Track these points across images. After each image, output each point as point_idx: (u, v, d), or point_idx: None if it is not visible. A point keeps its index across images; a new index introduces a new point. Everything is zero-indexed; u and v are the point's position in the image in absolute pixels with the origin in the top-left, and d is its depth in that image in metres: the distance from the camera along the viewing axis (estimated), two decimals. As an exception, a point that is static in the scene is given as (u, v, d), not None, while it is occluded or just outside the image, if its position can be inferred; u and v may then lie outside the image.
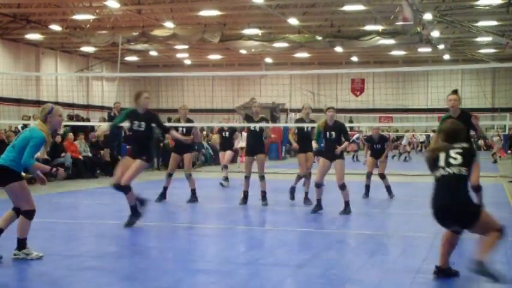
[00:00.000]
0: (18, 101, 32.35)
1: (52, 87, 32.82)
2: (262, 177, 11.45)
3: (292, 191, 11.85)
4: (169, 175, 12.03)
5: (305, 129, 11.56)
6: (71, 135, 17.87)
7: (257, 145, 11.59)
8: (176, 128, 12.03)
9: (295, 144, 11.75)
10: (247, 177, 11.52)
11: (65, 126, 19.02)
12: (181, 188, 12.30)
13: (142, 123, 9.01)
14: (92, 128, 21.12)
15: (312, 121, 11.58)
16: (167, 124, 11.29)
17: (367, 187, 12.98)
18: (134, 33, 29.19)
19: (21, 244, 6.60)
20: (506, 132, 31.97)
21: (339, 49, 32.81)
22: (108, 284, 5.88)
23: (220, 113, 35.10)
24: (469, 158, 5.78)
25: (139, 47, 32.30)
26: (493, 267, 5.68)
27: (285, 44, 30.38)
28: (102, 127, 9.63)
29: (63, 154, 17.17)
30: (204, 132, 29.13)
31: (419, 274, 6.19)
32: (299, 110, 37.96)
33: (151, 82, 46.14)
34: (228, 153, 15.93)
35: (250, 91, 38.86)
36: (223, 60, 41.27)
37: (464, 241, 6.57)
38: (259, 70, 39.35)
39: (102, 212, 9.54)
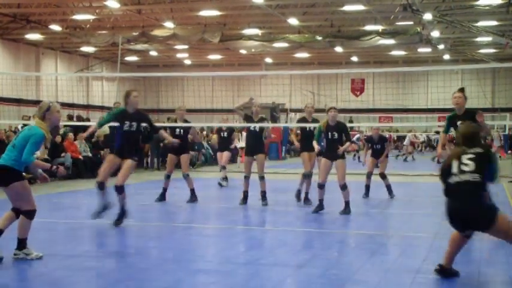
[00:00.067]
0: (18, 101, 32.33)
1: (52, 87, 32.80)
2: (262, 178, 11.45)
3: (299, 194, 11.81)
4: (168, 176, 12.01)
5: (307, 129, 11.55)
6: (71, 135, 17.88)
7: (257, 145, 11.59)
8: (173, 129, 12.03)
9: (297, 144, 11.75)
10: (246, 177, 11.52)
11: (65, 126, 19.02)
12: (181, 188, 12.31)
13: (134, 123, 8.99)
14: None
15: (315, 120, 11.55)
16: (157, 124, 11.29)
17: (367, 187, 12.98)
18: (134, 33, 29.17)
19: (22, 244, 6.60)
20: (506, 132, 31.99)
21: (339, 49, 32.80)
22: (108, 284, 5.88)
23: (220, 113, 35.10)
24: (482, 163, 5.74)
25: (139, 47, 32.28)
26: None
27: (285, 44, 30.37)
28: (91, 127, 9.54)
29: (63, 154, 17.19)
30: (204, 132, 29.14)
31: (419, 274, 6.19)
32: (299, 110, 38.05)
33: (151, 82, 46.18)
34: (226, 154, 15.87)
35: (250, 91, 38.88)
36: (223, 60, 41.27)
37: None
38: (259, 70, 39.34)
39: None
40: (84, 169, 17.72)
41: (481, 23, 27.43)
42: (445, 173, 5.87)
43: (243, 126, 13.61)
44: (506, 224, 5.68)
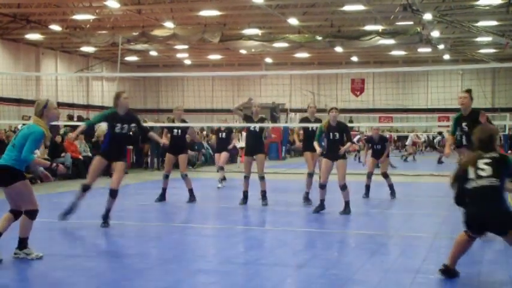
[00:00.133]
0: (18, 101, 32.33)
1: (52, 87, 32.79)
2: (262, 177, 11.45)
3: (307, 196, 11.72)
4: (166, 176, 11.99)
5: (310, 129, 11.53)
6: (71, 135, 17.87)
7: (256, 145, 11.59)
8: (171, 129, 12.01)
9: (298, 144, 11.72)
10: (246, 177, 11.51)
11: (65, 126, 19.03)
12: (180, 189, 12.31)
13: (125, 125, 8.93)
14: (92, 128, 21.08)
15: (317, 120, 11.52)
16: (157, 124, 11.28)
17: (368, 187, 12.98)
18: (134, 33, 29.17)
19: (22, 244, 6.59)
20: (506, 132, 31.98)
21: (339, 49, 32.81)
22: (108, 284, 5.88)
23: (220, 113, 35.13)
24: (499, 168, 5.72)
25: (139, 47, 32.28)
26: None
27: (285, 44, 30.37)
28: (80, 127, 9.50)
29: (63, 154, 17.19)
30: (204, 132, 29.14)
31: (419, 274, 6.19)
32: (299, 110, 38.09)
33: (151, 82, 46.18)
34: (224, 154, 15.68)
35: (250, 91, 38.89)
36: (223, 60, 41.27)
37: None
38: (259, 70, 39.34)
39: (102, 212, 9.51)
40: (84, 169, 17.64)
41: (481, 23, 27.43)
42: (460, 179, 5.83)
43: (243, 126, 13.58)
44: None
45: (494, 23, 27.64)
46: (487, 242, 7.19)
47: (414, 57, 39.48)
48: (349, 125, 15.45)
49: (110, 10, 26.77)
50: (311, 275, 6.17)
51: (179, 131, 11.97)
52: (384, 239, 8.34)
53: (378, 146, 13.35)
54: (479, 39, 31.81)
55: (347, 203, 10.39)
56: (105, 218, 8.95)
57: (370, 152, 13.69)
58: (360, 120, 34.92)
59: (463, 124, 8.31)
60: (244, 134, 18.59)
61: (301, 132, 12.57)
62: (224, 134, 15.69)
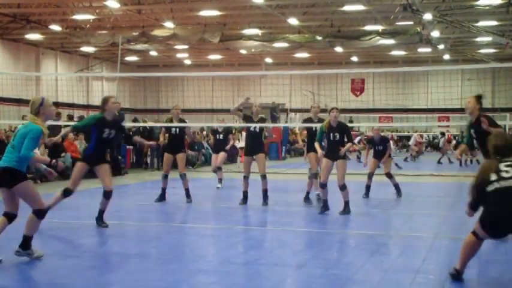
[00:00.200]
0: (18, 101, 32.31)
1: (52, 87, 32.80)
2: (263, 176, 11.43)
3: (319, 197, 11.47)
4: (165, 176, 11.97)
5: (313, 129, 11.50)
6: (71, 135, 17.87)
7: (256, 145, 11.59)
8: (169, 128, 12.00)
9: (300, 144, 11.68)
10: (246, 178, 11.51)
11: (65, 126, 19.00)
12: (180, 189, 12.30)
13: (112, 131, 8.91)
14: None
15: (321, 120, 11.48)
16: (158, 124, 11.25)
17: (368, 187, 12.97)
18: (134, 33, 29.18)
19: (26, 242, 6.54)
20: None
21: (339, 49, 32.81)
22: (108, 283, 5.88)
23: (220, 113, 35.13)
24: None
25: (139, 47, 32.29)
26: None
27: (285, 44, 30.38)
28: (66, 129, 9.47)
29: (63, 154, 17.18)
30: (204, 132, 29.13)
31: (419, 274, 6.19)
32: (299, 110, 38.06)
33: (151, 82, 46.20)
34: (222, 155, 15.58)
35: (250, 91, 38.91)
36: (223, 60, 41.28)
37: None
38: (259, 70, 39.35)
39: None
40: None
41: (481, 23, 27.43)
42: (482, 186, 5.77)
43: (243, 126, 13.56)
44: None
45: (494, 23, 27.65)
46: (501, 242, 7.19)
47: (414, 57, 39.49)
48: (349, 125, 15.42)
49: (110, 10, 26.78)
50: (311, 275, 6.16)
51: (177, 130, 11.95)
52: (383, 239, 8.34)
53: (379, 147, 13.31)
54: (479, 39, 31.82)
55: (346, 203, 10.39)
56: (99, 219, 8.96)
57: (371, 152, 13.64)
58: (360, 120, 34.93)
59: (471, 131, 8.22)
60: (244, 134, 18.57)
61: (304, 132, 12.55)
62: (222, 135, 15.60)
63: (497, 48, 33.23)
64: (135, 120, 26.59)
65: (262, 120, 11.70)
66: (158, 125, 18.15)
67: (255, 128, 11.48)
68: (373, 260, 6.90)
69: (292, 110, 37.35)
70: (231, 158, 25.19)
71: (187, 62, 42.98)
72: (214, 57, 39.94)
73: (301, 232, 9.08)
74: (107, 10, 27.00)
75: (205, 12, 26.95)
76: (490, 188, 5.64)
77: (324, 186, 10.38)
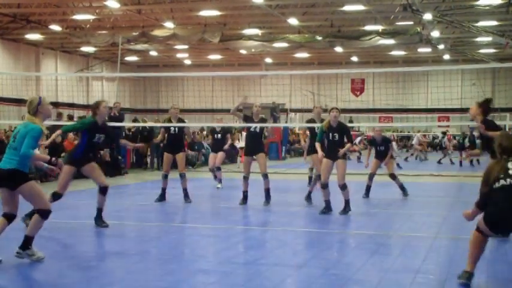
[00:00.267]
0: (18, 101, 32.25)
1: (52, 87, 32.81)
2: (265, 176, 11.43)
3: (309, 195, 11.70)
4: (165, 176, 11.97)
5: (315, 129, 11.49)
6: (71, 135, 17.88)
7: (256, 145, 11.59)
8: (168, 128, 12.00)
9: (304, 144, 11.67)
10: (245, 178, 11.50)
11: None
12: (180, 188, 12.30)
13: (102, 135, 8.98)
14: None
15: (323, 121, 11.48)
16: (157, 124, 11.25)
17: (368, 187, 12.96)
18: (134, 33, 29.16)
19: (27, 243, 6.53)
20: (507, 133, 31.95)
21: (339, 49, 32.80)
22: (109, 283, 5.88)
23: (220, 113, 35.13)
24: None
25: (139, 47, 32.28)
26: None
27: (285, 44, 30.37)
28: (56, 133, 9.48)
29: (63, 154, 17.18)
30: (204, 132, 29.13)
31: (419, 274, 6.19)
32: (299, 110, 38.03)
33: (151, 82, 46.19)
34: (221, 155, 15.50)
35: (250, 91, 38.88)
36: (223, 60, 41.28)
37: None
38: (259, 70, 39.35)
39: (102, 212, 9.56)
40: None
41: (481, 23, 27.43)
42: (490, 184, 5.75)
43: (243, 126, 13.55)
44: None
45: (494, 23, 27.64)
46: (501, 242, 7.18)
47: (414, 57, 39.48)
48: (349, 125, 15.42)
49: (110, 10, 26.77)
50: (311, 275, 6.17)
51: (176, 129, 11.96)
52: (383, 239, 8.34)
53: (381, 147, 13.28)
54: (479, 39, 31.81)
55: (347, 202, 10.38)
56: (98, 219, 8.96)
57: (373, 153, 13.59)
58: (360, 120, 34.93)
59: (477, 135, 8.32)
60: (244, 134, 18.54)
61: (308, 133, 12.55)
62: (220, 134, 15.51)
63: (497, 48, 33.23)
64: (135, 120, 26.59)
65: (263, 120, 11.70)
66: (158, 125, 18.14)
67: (255, 128, 11.48)
68: (373, 260, 6.90)
69: (292, 110, 37.36)
70: (231, 158, 25.18)
71: (187, 62, 42.98)
72: (214, 57, 39.94)
73: (301, 232, 9.09)
74: (107, 10, 26.99)
75: (205, 12, 26.94)
76: (497, 185, 5.67)
77: (325, 186, 10.36)
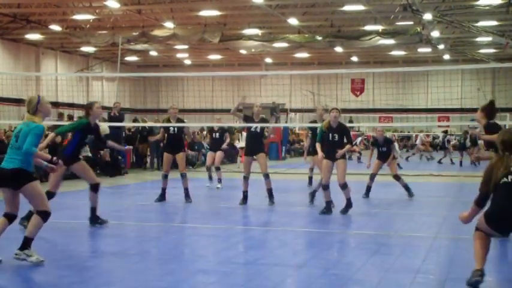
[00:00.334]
0: (18, 101, 32.21)
1: (52, 87, 32.80)
2: (266, 176, 11.43)
3: (314, 193, 11.71)
4: (165, 176, 11.96)
5: (317, 130, 11.47)
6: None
7: (256, 145, 11.59)
8: (168, 128, 12.00)
9: (306, 144, 11.67)
10: (246, 178, 11.50)
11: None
12: (180, 188, 12.30)
13: (93, 135, 9.29)
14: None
15: None
16: (157, 124, 11.25)
17: (369, 188, 12.94)
18: (134, 33, 29.17)
19: (26, 243, 6.52)
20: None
21: (339, 49, 32.81)
22: (108, 283, 5.88)
23: (220, 113, 35.14)
24: None
25: (139, 47, 32.28)
26: None
27: (285, 44, 30.37)
28: (49, 136, 9.56)
29: (63, 154, 17.17)
30: (204, 132, 29.13)
31: (419, 274, 6.19)
32: (299, 110, 38.02)
33: (151, 82, 46.19)
34: (219, 154, 15.47)
35: (250, 91, 38.88)
36: (223, 60, 41.28)
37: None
38: (259, 70, 39.37)
39: (101, 212, 9.53)
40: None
41: (481, 23, 27.43)
42: (492, 180, 5.74)
43: (243, 126, 13.55)
44: None
45: (494, 23, 27.64)
46: (501, 242, 7.18)
47: (414, 57, 39.49)
48: (349, 125, 15.42)
49: (110, 10, 26.78)
50: (311, 275, 6.16)
51: (175, 129, 11.96)
52: (384, 239, 8.33)
53: (383, 148, 13.24)
54: (479, 39, 31.81)
55: (348, 200, 10.36)
56: (93, 218, 8.96)
57: (375, 154, 13.57)
58: (360, 121, 34.94)
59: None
60: (244, 134, 18.54)
61: (310, 133, 12.55)
62: (218, 133, 15.49)
63: (497, 48, 33.22)
64: (135, 120, 26.59)
65: (264, 120, 11.69)
66: (158, 125, 18.13)
67: (255, 128, 11.48)
68: (373, 260, 6.90)
69: (292, 110, 37.37)
70: (231, 158, 25.18)
71: (187, 62, 42.98)
72: (214, 57, 39.94)
73: (301, 232, 9.08)
74: (107, 10, 27.00)
75: (205, 12, 26.94)
76: (499, 182, 5.65)
77: (326, 188, 10.35)
